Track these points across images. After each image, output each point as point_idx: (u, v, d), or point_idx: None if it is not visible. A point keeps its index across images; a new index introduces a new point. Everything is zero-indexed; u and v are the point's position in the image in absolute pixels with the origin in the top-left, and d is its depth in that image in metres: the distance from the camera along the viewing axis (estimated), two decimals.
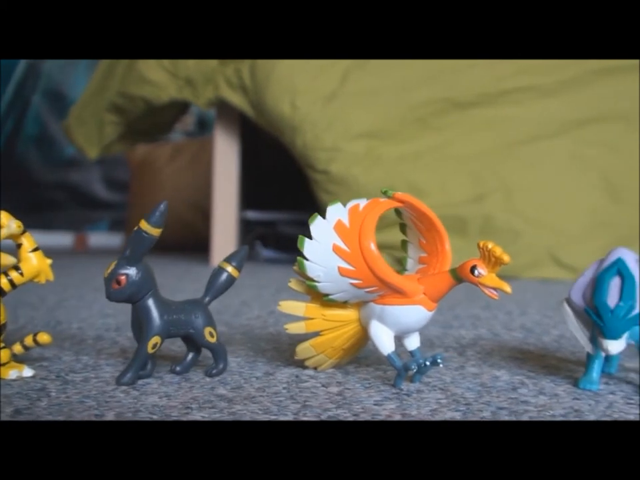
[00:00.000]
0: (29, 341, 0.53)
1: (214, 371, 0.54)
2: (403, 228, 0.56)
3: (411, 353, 0.53)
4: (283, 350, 0.64)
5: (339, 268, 0.51)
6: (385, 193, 0.53)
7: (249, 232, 1.85)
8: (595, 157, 1.43)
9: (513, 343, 0.71)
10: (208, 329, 0.54)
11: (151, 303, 0.51)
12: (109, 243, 2.67)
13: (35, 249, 0.52)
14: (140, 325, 0.51)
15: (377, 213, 0.51)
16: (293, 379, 0.54)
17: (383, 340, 0.52)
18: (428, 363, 0.50)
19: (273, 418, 0.43)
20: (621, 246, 0.53)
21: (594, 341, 0.52)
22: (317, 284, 0.52)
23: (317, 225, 0.52)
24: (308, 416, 0.44)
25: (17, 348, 0.53)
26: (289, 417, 0.44)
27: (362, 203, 0.52)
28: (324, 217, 0.52)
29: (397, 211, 0.55)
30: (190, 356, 0.55)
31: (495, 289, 0.48)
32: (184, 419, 0.43)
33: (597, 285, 0.50)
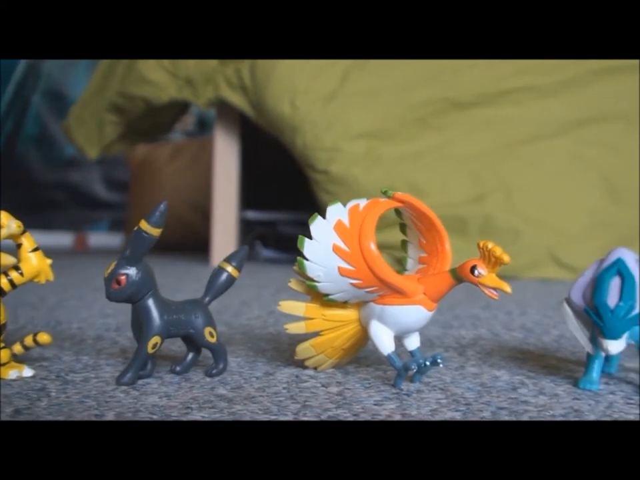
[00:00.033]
0: (29, 340, 0.53)
1: (214, 371, 0.54)
2: (403, 228, 0.56)
3: (411, 353, 0.53)
4: (283, 350, 0.64)
5: (339, 268, 0.51)
6: (384, 193, 0.53)
7: (248, 232, 1.85)
8: (595, 157, 1.43)
9: (513, 343, 0.71)
10: (208, 329, 0.54)
11: (151, 302, 0.51)
12: (109, 243, 2.67)
13: (35, 249, 0.52)
14: (140, 325, 0.51)
15: (377, 213, 0.51)
16: (293, 379, 0.54)
17: (383, 340, 0.52)
18: (428, 363, 0.50)
19: (273, 418, 0.43)
20: (621, 246, 0.53)
21: (594, 341, 0.52)
22: (316, 284, 0.52)
23: (317, 225, 0.52)
24: (308, 416, 0.44)
25: (17, 348, 0.53)
26: (289, 417, 0.44)
27: (362, 203, 0.52)
28: (324, 217, 0.52)
29: (397, 211, 0.55)
30: (190, 356, 0.55)
31: (495, 288, 0.48)
32: (184, 419, 0.43)
33: (597, 285, 0.50)
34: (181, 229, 2.16)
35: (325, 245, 0.51)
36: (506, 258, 0.47)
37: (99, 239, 2.75)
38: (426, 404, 0.47)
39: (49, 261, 0.53)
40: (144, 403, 0.46)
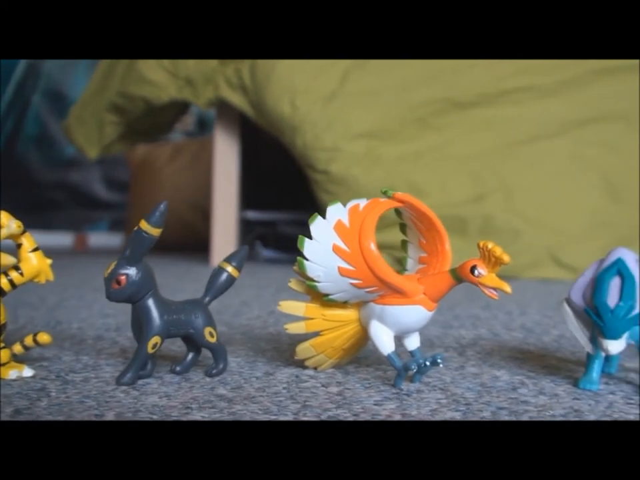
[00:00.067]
0: (29, 340, 0.53)
1: (214, 371, 0.54)
2: (403, 228, 0.56)
3: (411, 353, 0.53)
4: (282, 350, 0.64)
5: (339, 268, 0.51)
6: (384, 193, 0.53)
7: (248, 232, 1.85)
8: (595, 157, 1.43)
9: (513, 343, 0.71)
10: (208, 329, 0.54)
11: (151, 302, 0.51)
12: (109, 243, 2.67)
13: (35, 249, 0.52)
14: (140, 324, 0.51)
15: (377, 213, 0.51)
16: (293, 379, 0.54)
17: (383, 340, 0.52)
18: (428, 363, 0.50)
19: (273, 418, 0.43)
20: (621, 246, 0.53)
21: (594, 341, 0.52)
22: (316, 284, 0.52)
23: (317, 225, 0.52)
24: (308, 416, 0.44)
25: (17, 348, 0.53)
26: (289, 417, 0.44)
27: (362, 203, 0.52)
28: (324, 217, 0.52)
29: (397, 211, 0.55)
30: (190, 356, 0.55)
31: (495, 288, 0.48)
32: (184, 418, 0.43)
33: (597, 285, 0.50)
34: (181, 229, 2.16)
35: (325, 244, 0.51)
36: (506, 258, 0.47)
37: (99, 239, 2.75)
38: (426, 404, 0.47)
39: (49, 261, 0.53)
40: (144, 402, 0.46)
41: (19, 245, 0.52)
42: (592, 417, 0.45)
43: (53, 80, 2.69)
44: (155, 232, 0.50)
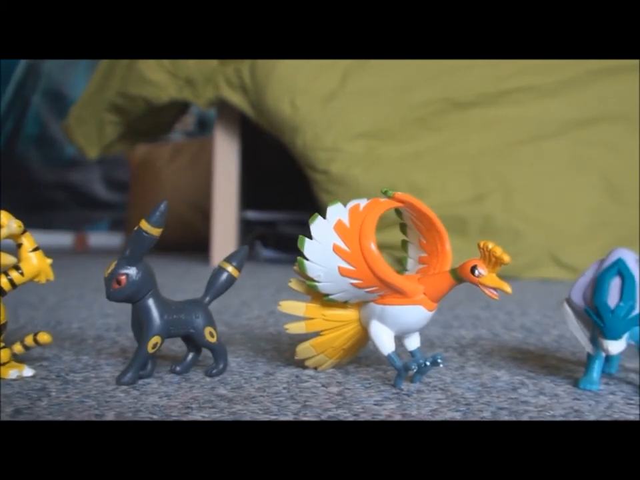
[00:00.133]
0: (29, 340, 0.53)
1: (214, 371, 0.54)
2: (403, 228, 0.56)
3: (411, 353, 0.53)
4: (283, 350, 0.64)
5: (339, 268, 0.51)
6: (385, 193, 0.53)
7: (249, 232, 1.85)
8: (595, 157, 1.43)
9: (513, 343, 0.71)
10: (208, 329, 0.54)
11: (151, 302, 0.51)
12: (109, 243, 2.67)
13: (35, 249, 0.52)
14: (140, 324, 0.51)
15: (377, 213, 0.51)
16: (293, 379, 0.54)
17: (383, 340, 0.52)
18: (428, 363, 0.50)
19: (273, 418, 0.43)
20: (621, 246, 0.53)
21: (594, 341, 0.52)
22: (317, 284, 0.52)
23: (317, 225, 0.52)
24: (308, 416, 0.44)
25: (17, 347, 0.53)
26: (289, 417, 0.44)
27: (362, 202, 0.52)
28: (324, 217, 0.52)
29: (397, 211, 0.55)
30: (190, 356, 0.55)
31: (495, 289, 0.48)
32: (184, 418, 0.43)
33: (598, 285, 0.50)
34: (181, 228, 2.16)
35: (325, 244, 0.51)
36: (506, 258, 0.47)
37: (99, 238, 2.75)
38: (426, 404, 0.47)
39: (49, 261, 0.53)
40: (144, 402, 0.46)
41: (19, 245, 0.52)
42: (592, 417, 0.45)
43: (53, 80, 2.69)
44: (155, 232, 0.50)
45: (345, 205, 0.52)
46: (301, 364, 0.57)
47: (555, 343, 0.72)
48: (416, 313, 0.51)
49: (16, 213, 0.52)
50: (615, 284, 0.50)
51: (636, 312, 0.49)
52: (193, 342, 0.54)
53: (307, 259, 0.51)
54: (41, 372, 0.54)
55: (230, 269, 0.55)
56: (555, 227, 1.39)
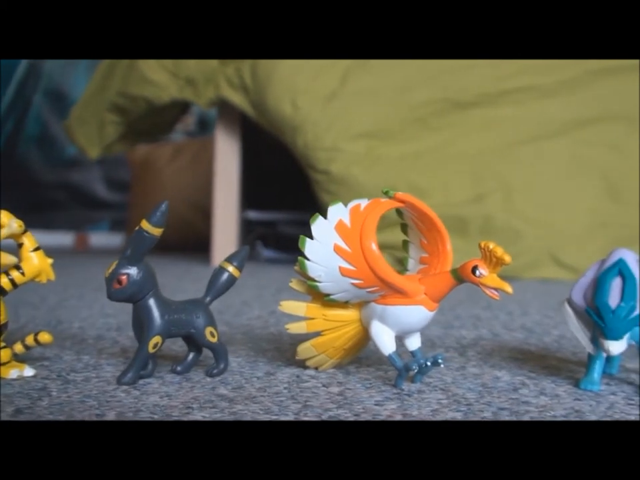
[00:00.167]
0: (30, 340, 0.53)
1: (215, 371, 0.54)
2: (404, 228, 0.56)
3: (412, 353, 0.53)
4: (284, 350, 0.64)
5: (340, 268, 0.51)
6: (385, 193, 0.53)
7: (249, 232, 1.85)
8: (595, 157, 1.43)
9: (514, 344, 0.71)
10: (209, 329, 0.54)
11: (151, 302, 0.51)
12: (110, 243, 2.67)
13: (36, 249, 0.52)
14: (141, 324, 0.51)
15: (378, 213, 0.51)
16: (294, 379, 0.54)
17: (384, 340, 0.52)
18: (429, 363, 0.50)
19: (274, 418, 0.43)
20: (622, 246, 0.53)
21: (595, 341, 0.52)
22: (318, 284, 0.52)
23: (318, 225, 0.52)
24: (309, 416, 0.44)
25: (18, 347, 0.53)
26: (290, 417, 0.44)
27: (363, 203, 0.52)
28: (325, 217, 0.52)
29: (398, 211, 0.55)
30: (191, 356, 0.55)
31: (496, 289, 0.48)
32: (185, 418, 0.43)
33: (598, 286, 0.50)
34: (181, 228, 2.16)
35: (326, 244, 0.51)
36: (507, 258, 0.47)
37: (100, 238, 2.75)
38: (427, 404, 0.47)
39: (49, 261, 0.53)
40: (145, 402, 0.46)
41: (20, 245, 0.52)
42: (593, 418, 0.45)
43: (53, 80, 2.69)
44: (156, 232, 0.50)
45: (345, 205, 0.52)
46: (301, 364, 0.57)
47: (555, 343, 0.72)
48: (417, 313, 0.51)
49: (17, 212, 0.52)
50: (615, 284, 0.50)
51: (637, 312, 0.49)
52: (194, 342, 0.54)
53: (308, 259, 0.51)
54: (41, 372, 0.54)
55: (231, 269, 0.55)
56: (555, 227, 1.39)
